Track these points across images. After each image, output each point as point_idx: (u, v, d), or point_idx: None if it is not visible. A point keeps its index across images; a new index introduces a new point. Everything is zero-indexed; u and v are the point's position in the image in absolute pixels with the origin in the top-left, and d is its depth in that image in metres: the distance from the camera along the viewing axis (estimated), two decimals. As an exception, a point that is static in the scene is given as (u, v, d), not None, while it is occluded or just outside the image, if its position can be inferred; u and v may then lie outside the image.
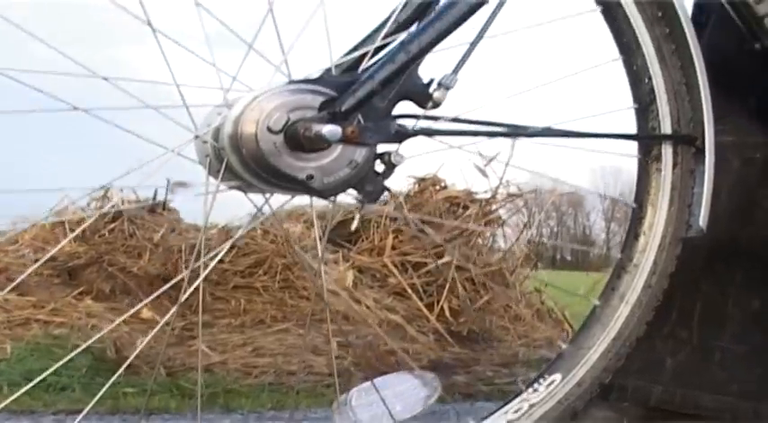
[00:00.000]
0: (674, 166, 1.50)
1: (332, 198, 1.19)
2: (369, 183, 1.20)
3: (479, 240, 4.42)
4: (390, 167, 1.21)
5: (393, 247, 4.11)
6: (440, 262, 3.95)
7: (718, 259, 1.81)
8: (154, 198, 4.43)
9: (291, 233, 3.97)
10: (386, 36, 1.29)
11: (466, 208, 4.44)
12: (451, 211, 4.44)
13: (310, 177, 1.14)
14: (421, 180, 4.56)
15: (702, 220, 1.49)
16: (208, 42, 1.15)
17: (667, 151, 1.49)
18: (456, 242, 4.14)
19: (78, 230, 3.90)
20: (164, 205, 4.41)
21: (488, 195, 4.52)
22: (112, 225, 4.09)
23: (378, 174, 1.21)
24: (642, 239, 1.50)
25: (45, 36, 1.07)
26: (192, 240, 3.99)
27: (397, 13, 1.31)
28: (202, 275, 1.25)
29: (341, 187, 1.18)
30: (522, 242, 4.76)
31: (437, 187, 4.54)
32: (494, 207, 4.49)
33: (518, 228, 4.86)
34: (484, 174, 4.38)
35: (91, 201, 4.59)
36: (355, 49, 1.29)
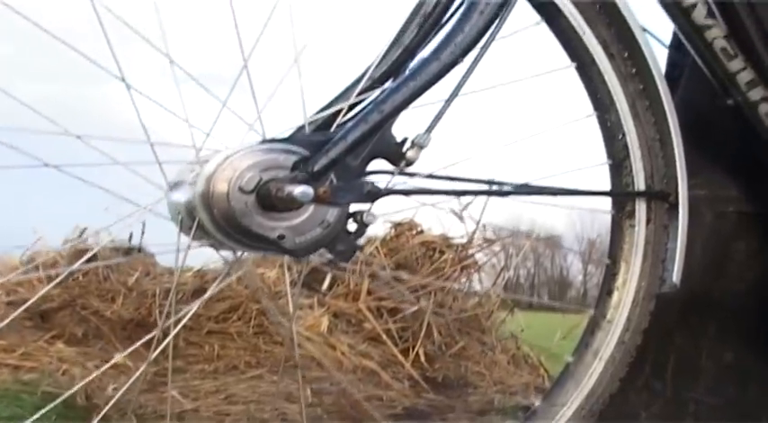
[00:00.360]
0: (648, 221, 1.50)
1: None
2: (341, 242, 1.19)
3: (455, 285, 4.40)
4: (362, 227, 1.21)
5: (369, 292, 4.09)
6: (414, 308, 3.94)
7: (692, 312, 1.82)
8: (129, 241, 4.40)
9: (266, 278, 3.95)
10: (361, 92, 1.29)
11: (442, 253, 4.43)
12: (428, 255, 4.43)
13: (282, 237, 1.14)
14: (397, 225, 4.55)
15: (676, 275, 1.49)
16: (181, 99, 1.14)
17: (641, 207, 1.50)
18: (432, 288, 4.13)
19: (67, 274, 3.86)
20: (139, 249, 4.38)
21: (465, 240, 4.51)
22: (87, 268, 4.05)
23: (350, 233, 1.20)
24: (616, 295, 1.50)
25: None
26: (166, 284, 3.95)
27: (372, 69, 1.31)
28: (173, 333, 1.23)
29: (313, 247, 1.17)
30: (499, 286, 4.75)
31: (413, 232, 4.53)
32: (470, 252, 4.48)
33: (495, 270, 4.86)
34: (460, 218, 4.38)
35: (66, 242, 4.55)
36: (330, 105, 1.29)
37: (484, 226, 4.51)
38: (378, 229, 4.51)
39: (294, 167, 1.14)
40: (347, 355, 3.63)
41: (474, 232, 4.51)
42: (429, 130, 1.23)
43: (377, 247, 4.34)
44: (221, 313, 3.86)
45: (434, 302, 4.07)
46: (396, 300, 4.06)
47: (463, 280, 4.47)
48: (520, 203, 1.43)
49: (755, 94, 1.55)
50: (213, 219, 1.12)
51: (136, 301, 3.95)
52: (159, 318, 3.52)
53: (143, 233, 4.25)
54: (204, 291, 3.68)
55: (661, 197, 1.49)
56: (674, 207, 1.50)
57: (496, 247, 4.62)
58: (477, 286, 4.69)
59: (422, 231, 4.58)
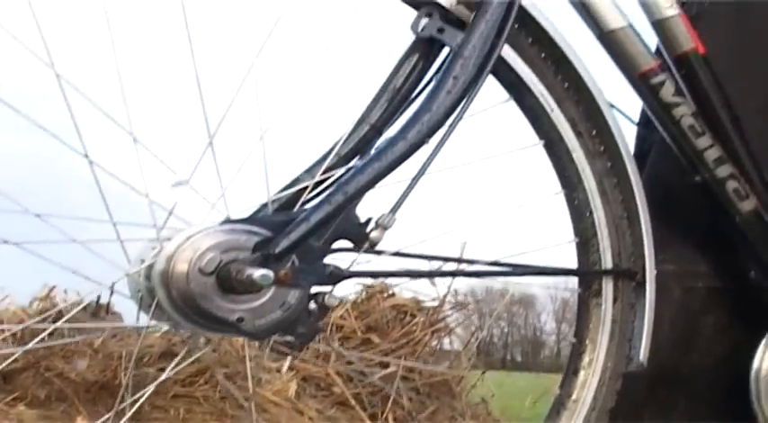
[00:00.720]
0: (615, 300, 1.49)
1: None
2: (301, 325, 1.17)
3: (426, 349, 4.38)
4: (324, 309, 1.19)
5: (338, 356, 4.07)
6: (384, 372, 3.91)
7: (661, 387, 1.80)
8: (97, 302, 4.35)
9: (234, 341, 3.91)
10: (326, 170, 1.28)
11: (413, 316, 4.42)
12: (399, 319, 4.41)
13: (241, 320, 1.12)
14: (368, 287, 4.54)
15: (643, 354, 1.49)
16: (143, 177, 1.13)
17: (608, 286, 1.49)
18: (402, 352, 4.11)
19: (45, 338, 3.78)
20: (107, 308, 4.34)
21: (436, 303, 4.51)
22: (52, 328, 3.99)
23: (311, 314, 1.19)
24: (582, 375, 1.49)
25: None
26: (132, 346, 3.91)
27: (338, 146, 1.30)
28: (128, 414, 1.21)
29: (273, 329, 1.15)
30: (473, 345, 4.74)
31: (384, 295, 4.53)
32: (441, 315, 4.48)
33: (468, 330, 4.85)
34: (432, 282, 4.38)
35: (33, 301, 4.51)
36: (294, 182, 1.28)
37: (455, 290, 4.51)
38: (349, 292, 4.50)
39: (255, 249, 1.13)
40: (315, 420, 3.59)
41: (445, 296, 4.51)
42: (393, 210, 1.22)
43: (347, 310, 4.33)
44: (188, 376, 3.81)
45: (404, 367, 4.04)
46: (366, 363, 4.04)
47: (434, 343, 4.46)
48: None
49: (723, 171, 1.55)
50: (172, 299, 1.10)
51: (101, 363, 3.90)
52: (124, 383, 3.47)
53: (111, 293, 4.21)
54: (172, 353, 3.65)
55: (628, 276, 1.49)
56: (642, 285, 1.49)
57: (468, 311, 4.62)
58: (448, 348, 4.68)
59: (393, 294, 4.57)
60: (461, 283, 4.40)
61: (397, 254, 1.29)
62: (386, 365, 3.99)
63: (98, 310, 4.33)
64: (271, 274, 1.10)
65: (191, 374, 3.83)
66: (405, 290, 4.58)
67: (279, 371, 3.81)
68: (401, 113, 1.33)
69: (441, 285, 4.46)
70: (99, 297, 4.37)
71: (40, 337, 1.19)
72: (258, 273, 1.08)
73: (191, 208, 1.16)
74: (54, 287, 4.42)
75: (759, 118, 1.71)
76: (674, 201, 1.71)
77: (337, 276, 1.20)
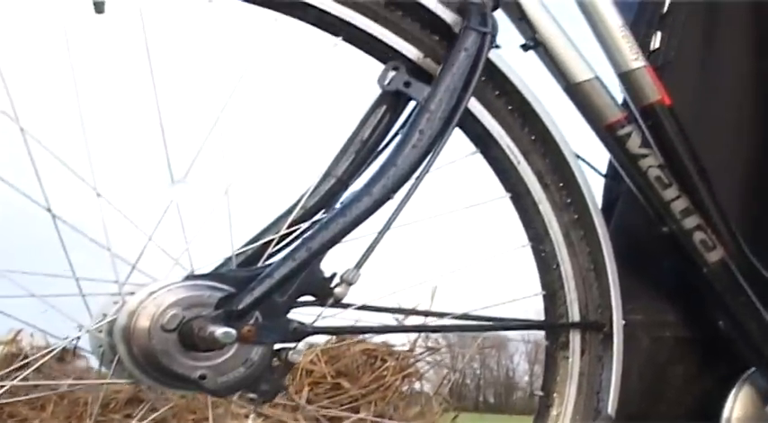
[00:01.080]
0: (582, 352, 1.49)
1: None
2: (264, 382, 1.16)
3: (397, 394, 4.36)
4: (287, 365, 1.18)
5: (309, 401, 4.04)
6: (355, 417, 3.88)
7: (630, 438, 1.80)
8: (63, 346, 4.30)
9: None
10: (292, 224, 1.27)
11: (384, 361, 4.40)
12: (369, 363, 4.39)
13: (203, 377, 1.10)
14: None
15: (611, 406, 1.48)
16: (105, 232, 1.12)
17: (575, 338, 1.49)
18: (373, 397, 4.09)
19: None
20: (73, 352, 4.29)
21: (407, 348, 4.49)
22: (17, 373, 3.93)
23: (274, 371, 1.17)
24: (550, 428, 1.48)
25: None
26: (99, 392, 3.86)
27: (305, 198, 1.30)
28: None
29: (235, 387, 1.14)
30: (443, 391, 4.73)
31: (355, 339, 4.50)
32: (412, 360, 4.47)
33: (440, 373, 4.84)
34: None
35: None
36: (259, 236, 1.27)
37: (427, 335, 4.49)
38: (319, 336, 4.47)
39: (218, 305, 1.11)
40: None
41: (416, 340, 4.50)
42: (358, 266, 1.21)
43: (317, 355, 4.30)
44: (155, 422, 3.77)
45: (375, 412, 4.02)
46: (336, 408, 4.01)
47: (405, 388, 4.44)
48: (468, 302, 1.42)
49: (690, 222, 1.56)
50: (133, 355, 1.09)
51: (67, 409, 3.85)
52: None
53: (79, 337, 4.15)
54: (138, 399, 3.61)
55: (595, 328, 1.48)
56: (609, 337, 1.49)
57: (440, 355, 4.60)
58: (420, 391, 4.66)
59: (363, 339, 4.55)
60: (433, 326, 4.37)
61: (363, 307, 1.28)
62: (357, 410, 3.96)
63: (64, 355, 4.28)
64: (233, 331, 1.08)
65: (158, 420, 3.78)
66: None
67: (247, 417, 3.77)
68: (368, 166, 1.32)
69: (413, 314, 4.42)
70: (67, 339, 4.31)
71: (4, 389, 1.17)
72: (220, 330, 1.07)
73: (154, 262, 1.15)
74: (20, 331, 4.37)
75: (725, 169, 1.72)
76: (641, 251, 1.72)
77: (301, 333, 1.18)
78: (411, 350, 4.46)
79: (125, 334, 1.09)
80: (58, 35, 1.09)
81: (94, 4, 1.14)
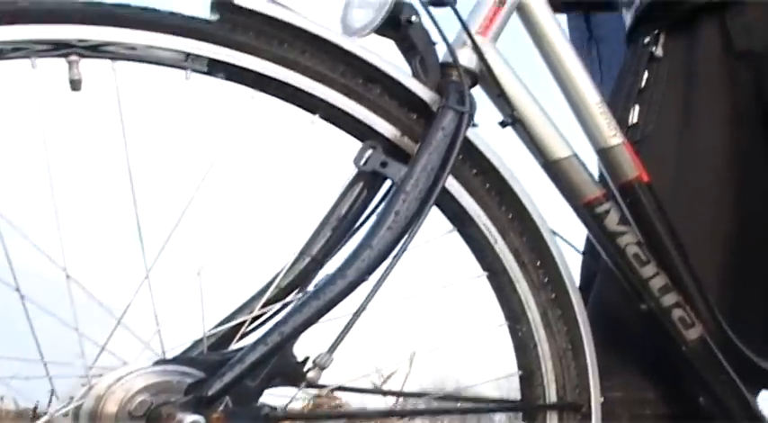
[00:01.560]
0: (560, 433, 1.47)
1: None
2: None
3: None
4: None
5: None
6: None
7: None
8: (34, 411, 4.23)
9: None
10: (265, 304, 1.25)
11: (363, 427, 4.36)
12: (347, 429, 4.34)
13: (171, 464, 1.08)
14: (316, 396, 4.47)
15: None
16: (74, 314, 1.10)
17: (552, 419, 1.47)
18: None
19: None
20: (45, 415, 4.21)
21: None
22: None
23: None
24: None
25: None
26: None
27: (279, 278, 1.28)
28: None
29: (205, 475, 1.11)
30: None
31: (332, 404, 4.46)
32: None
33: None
34: (382, 393, 4.31)
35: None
36: (232, 316, 1.25)
37: (404, 399, 4.44)
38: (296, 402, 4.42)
39: (188, 391, 1.09)
40: None
41: (395, 404, 4.45)
42: (331, 350, 1.19)
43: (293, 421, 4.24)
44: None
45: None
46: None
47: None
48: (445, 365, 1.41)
49: (668, 299, 1.55)
50: (99, 444, 1.07)
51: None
52: None
53: (50, 401, 4.09)
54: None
55: (573, 409, 1.46)
56: (587, 417, 1.47)
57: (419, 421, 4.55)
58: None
59: (340, 405, 4.50)
60: (413, 386, 4.33)
61: (339, 388, 1.26)
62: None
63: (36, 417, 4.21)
64: (202, 419, 1.06)
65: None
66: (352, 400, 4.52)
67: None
68: (343, 245, 1.31)
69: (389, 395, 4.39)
70: (37, 405, 4.26)
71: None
72: (189, 418, 1.05)
73: (123, 345, 1.14)
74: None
75: (704, 241, 1.72)
76: (620, 328, 1.70)
77: (272, 419, 1.16)
78: (390, 413, 4.41)
79: (92, 419, 1.07)
80: (32, 113, 1.08)
81: (71, 81, 1.13)
